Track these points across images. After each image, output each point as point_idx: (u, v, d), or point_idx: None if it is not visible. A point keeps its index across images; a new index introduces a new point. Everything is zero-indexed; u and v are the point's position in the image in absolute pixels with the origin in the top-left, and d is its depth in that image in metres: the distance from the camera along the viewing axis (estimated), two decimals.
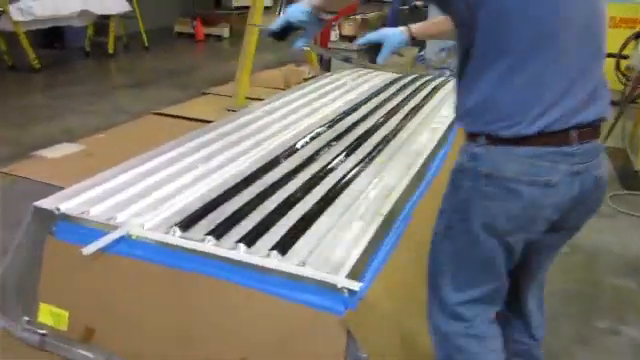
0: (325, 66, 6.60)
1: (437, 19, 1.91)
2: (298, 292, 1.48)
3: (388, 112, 3.10)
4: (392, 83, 3.96)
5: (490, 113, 1.15)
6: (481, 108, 1.16)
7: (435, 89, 3.78)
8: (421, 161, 2.37)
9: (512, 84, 1.12)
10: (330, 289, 1.46)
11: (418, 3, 6.84)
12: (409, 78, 4.22)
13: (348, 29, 6.68)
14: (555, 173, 1.14)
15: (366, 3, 6.68)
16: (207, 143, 2.43)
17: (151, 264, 1.62)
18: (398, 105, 3.27)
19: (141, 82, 6.38)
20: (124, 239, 1.66)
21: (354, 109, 3.13)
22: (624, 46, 4.02)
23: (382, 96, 3.51)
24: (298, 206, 1.87)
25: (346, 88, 3.71)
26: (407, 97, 3.52)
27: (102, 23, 7.61)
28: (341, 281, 1.46)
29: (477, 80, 1.16)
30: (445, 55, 6.51)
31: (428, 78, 4.21)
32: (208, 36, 9.65)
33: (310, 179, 2.09)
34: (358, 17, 6.89)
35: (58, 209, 1.77)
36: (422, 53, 6.63)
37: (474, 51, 1.14)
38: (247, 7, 10.61)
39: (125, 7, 7.37)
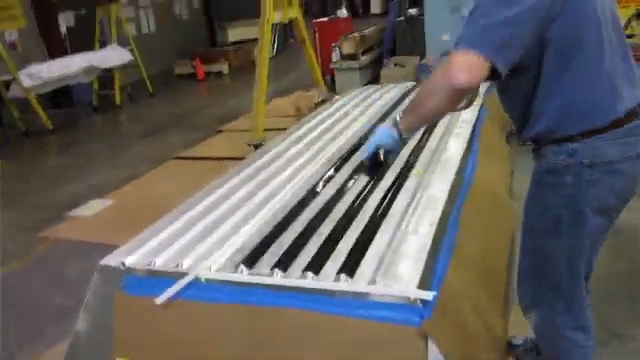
0: (329, 86, 6.73)
1: None
2: (373, 310, 1.52)
3: None
4: (405, 95, 4.03)
5: (583, 114, 1.28)
6: (570, 113, 1.28)
7: None
8: (455, 169, 2.42)
9: (592, 82, 1.26)
10: (403, 302, 1.50)
11: (413, 12, 6.95)
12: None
13: (348, 48, 6.80)
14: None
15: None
16: (246, 180, 2.50)
17: (223, 304, 1.67)
18: None
19: (154, 129, 6.52)
20: (194, 284, 1.71)
21: (376, 125, 3.20)
22: (626, 26, 4.09)
23: (400, 108, 3.58)
24: (351, 228, 1.92)
25: (365, 105, 3.78)
26: None
27: (105, 76, 7.80)
28: (413, 292, 1.50)
29: (554, 92, 1.29)
30: (443, 59, 6.54)
31: None
32: (208, 74, 9.85)
33: (354, 201, 2.14)
34: (356, 34, 7.01)
35: (123, 264, 1.83)
36: (423, 61, 6.72)
37: (544, 70, 1.28)
38: (244, 42, 10.96)
39: (127, 57, 7.55)
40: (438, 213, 1.99)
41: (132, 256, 1.88)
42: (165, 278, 1.76)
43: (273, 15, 4.33)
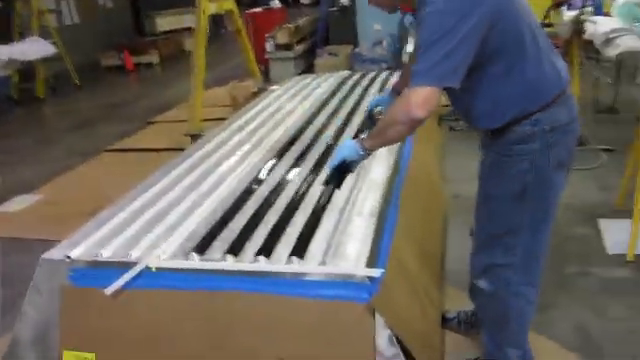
0: (264, 76, 6.72)
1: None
2: (324, 289, 1.59)
3: (349, 112, 3.26)
4: (342, 84, 4.12)
5: (540, 91, 1.50)
6: (528, 93, 1.50)
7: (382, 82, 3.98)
8: (393, 154, 2.53)
9: (539, 65, 1.50)
10: (352, 280, 1.59)
11: (345, 3, 7.05)
12: (357, 76, 4.40)
13: (282, 38, 6.81)
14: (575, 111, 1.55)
15: None
16: (189, 170, 2.49)
17: (176, 291, 1.68)
18: (356, 103, 3.44)
19: (83, 122, 6.27)
20: (144, 273, 1.71)
21: (316, 114, 3.27)
22: (545, 16, 4.36)
23: (339, 96, 3.67)
24: (298, 214, 1.98)
25: (303, 95, 3.84)
26: (361, 94, 3.69)
27: (26, 69, 7.40)
28: (361, 271, 1.58)
29: (508, 80, 1.50)
30: (379, 49, 6.76)
31: (374, 74, 4.40)
32: (138, 65, 9.53)
33: (298, 188, 2.20)
34: (291, 25, 7.03)
35: (69, 257, 1.80)
36: (357, 50, 6.85)
37: (495, 62, 1.47)
38: (174, 31, 10.68)
39: (50, 50, 7.18)
40: (379, 196, 2.09)
41: (77, 248, 1.85)
42: (113, 269, 1.75)
43: (209, 6, 4.28)
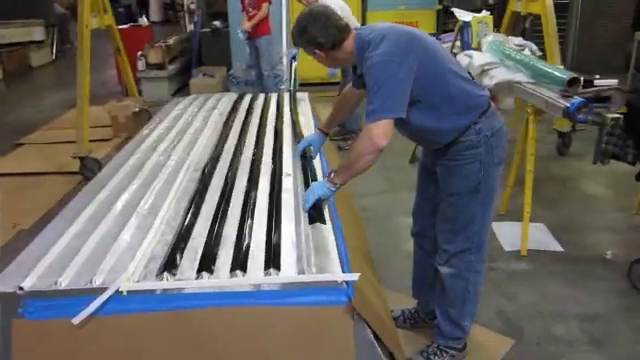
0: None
1: (336, 107, 2.32)
2: (306, 296, 1.68)
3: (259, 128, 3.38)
4: (236, 104, 4.19)
5: (475, 107, 1.85)
6: (468, 112, 1.84)
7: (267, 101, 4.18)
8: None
9: (465, 86, 1.84)
10: (332, 286, 1.70)
11: (218, 25, 7.09)
12: (247, 97, 4.50)
13: (154, 57, 6.62)
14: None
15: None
16: (119, 190, 2.40)
17: (151, 314, 1.65)
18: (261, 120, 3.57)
19: None
20: (115, 297, 1.64)
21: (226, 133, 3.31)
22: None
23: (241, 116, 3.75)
24: (255, 228, 2.04)
25: (204, 115, 3.83)
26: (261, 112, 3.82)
27: None
28: (340, 276, 1.71)
29: (444, 107, 1.82)
30: (253, 71, 6.87)
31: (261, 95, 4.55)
32: None
33: (245, 203, 2.26)
34: (162, 44, 6.86)
35: (21, 288, 1.65)
36: (232, 72, 6.92)
37: (431, 95, 1.81)
38: (19, 43, 9.67)
39: None
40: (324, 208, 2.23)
41: (28, 279, 1.70)
42: (77, 297, 1.65)
43: (91, 21, 4.06)
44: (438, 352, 2.04)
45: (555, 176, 3.98)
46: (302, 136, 3.12)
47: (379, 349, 1.76)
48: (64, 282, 1.69)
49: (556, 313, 2.41)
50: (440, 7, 7.53)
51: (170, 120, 3.78)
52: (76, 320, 1.59)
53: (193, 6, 9.59)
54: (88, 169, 4.06)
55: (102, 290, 1.65)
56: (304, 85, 6.71)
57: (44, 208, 3.44)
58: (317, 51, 1.85)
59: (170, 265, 1.77)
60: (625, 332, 2.28)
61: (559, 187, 3.85)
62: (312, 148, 2.32)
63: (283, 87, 6.96)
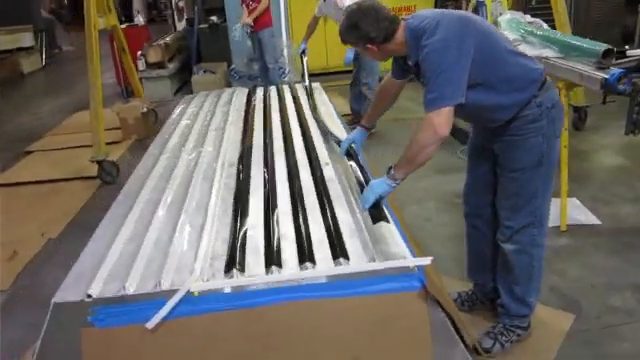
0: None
1: (376, 99, 2.29)
2: (379, 285, 1.65)
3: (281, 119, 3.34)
4: (250, 96, 4.14)
5: (532, 81, 1.84)
6: (527, 86, 1.81)
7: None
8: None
9: (525, 60, 1.86)
10: (403, 272, 1.68)
11: (215, 20, 7.00)
12: (260, 91, 4.45)
13: (154, 56, 6.52)
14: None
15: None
16: (160, 188, 2.36)
17: (224, 313, 1.61)
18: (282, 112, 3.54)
19: None
20: (186, 299, 1.61)
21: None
22: None
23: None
24: (309, 215, 2.01)
25: (222, 110, 3.78)
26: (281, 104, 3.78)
27: None
28: (412, 261, 1.69)
29: (504, 85, 1.82)
30: (255, 65, 6.79)
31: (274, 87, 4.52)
32: None
33: (292, 190, 2.24)
34: (161, 42, 6.76)
35: (89, 296, 1.61)
36: (233, 67, 6.84)
37: (488, 79, 1.80)
38: (8, 51, 9.50)
39: None
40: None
41: (93, 286, 1.65)
42: (146, 301, 1.61)
43: (98, 21, 3.98)
44: (505, 332, 2.02)
45: (577, 151, 3.97)
46: (325, 126, 3.09)
47: (453, 331, 1.75)
48: (131, 287, 1.65)
49: (608, 285, 2.41)
50: None
51: (189, 117, 3.72)
52: (150, 325, 1.55)
53: (182, 4, 9.47)
54: (107, 173, 3.99)
55: (171, 292, 1.61)
56: (313, 76, 6.62)
57: (69, 215, 3.39)
58: (369, 45, 1.81)
59: (235, 262, 1.73)
60: None
61: (583, 161, 3.85)
62: (355, 146, 2.28)
63: (287, 79, 6.93)
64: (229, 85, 6.77)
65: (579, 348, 2.04)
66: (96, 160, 3.87)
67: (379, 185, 1.84)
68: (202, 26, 7.15)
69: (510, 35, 3.36)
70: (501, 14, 3.80)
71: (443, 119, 1.68)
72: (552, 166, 1.88)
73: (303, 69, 4.61)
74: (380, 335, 1.67)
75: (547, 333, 2.07)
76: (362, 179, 2.19)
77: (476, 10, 3.85)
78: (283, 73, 6.93)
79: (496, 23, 3.80)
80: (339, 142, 2.67)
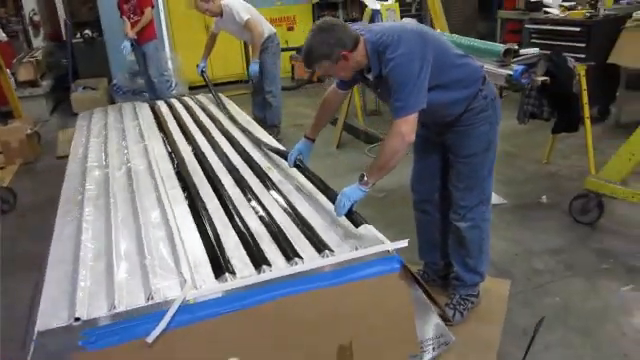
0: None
1: (319, 111, 2.35)
2: (365, 270, 1.77)
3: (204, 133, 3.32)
4: (156, 110, 4.04)
5: (477, 77, 2.05)
6: (472, 85, 2.03)
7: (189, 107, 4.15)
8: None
9: (469, 64, 2.07)
10: (384, 257, 1.81)
11: (90, 33, 6.58)
12: (162, 104, 4.34)
13: (25, 74, 5.96)
14: None
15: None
16: (105, 209, 2.24)
17: (227, 315, 1.62)
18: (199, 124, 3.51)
19: None
20: (183, 308, 1.58)
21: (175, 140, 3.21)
22: None
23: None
24: (275, 215, 2.08)
25: (130, 125, 3.63)
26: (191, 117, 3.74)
27: None
28: (390, 245, 1.82)
29: (455, 85, 2.02)
30: (140, 79, 6.50)
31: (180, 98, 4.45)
32: None
33: (245, 194, 2.28)
34: (32, 59, 6.19)
35: (77, 319, 1.51)
36: (115, 82, 6.49)
37: (442, 81, 1.98)
38: None
39: None
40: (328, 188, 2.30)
41: (77, 309, 1.55)
42: (139, 316, 1.56)
43: None
44: (462, 301, 2.24)
45: None
46: (254, 135, 3.13)
47: (430, 305, 1.92)
48: (120, 304, 1.58)
49: (528, 252, 2.76)
50: (317, 1, 7.80)
51: (96, 134, 3.52)
52: (150, 338, 1.51)
53: (37, 18, 8.74)
54: (4, 201, 3.60)
55: (165, 304, 1.58)
56: (199, 88, 6.54)
57: None
58: (344, 53, 1.86)
59: (222, 266, 1.73)
60: (589, 255, 2.72)
61: None
62: (302, 157, 2.37)
63: (175, 92, 6.74)
64: (112, 101, 6.42)
65: (520, 308, 2.33)
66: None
67: (353, 192, 1.93)
68: (76, 40, 6.69)
69: None
70: (394, 21, 4.13)
71: (410, 127, 1.84)
72: (495, 149, 2.13)
73: (207, 84, 4.61)
74: (370, 317, 1.78)
75: (492, 299, 2.33)
76: (319, 185, 2.28)
77: (372, 18, 4.14)
78: (170, 86, 6.74)
79: None
80: (277, 151, 2.73)
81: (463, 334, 2.05)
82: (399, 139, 1.86)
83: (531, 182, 3.67)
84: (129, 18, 5.46)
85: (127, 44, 5.36)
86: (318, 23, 1.91)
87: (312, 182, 2.34)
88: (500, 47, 2.92)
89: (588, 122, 3.37)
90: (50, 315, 1.56)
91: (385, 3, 4.13)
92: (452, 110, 2.02)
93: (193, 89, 6.89)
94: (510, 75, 2.80)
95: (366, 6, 4.16)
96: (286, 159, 2.44)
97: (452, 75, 1.98)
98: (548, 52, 3.09)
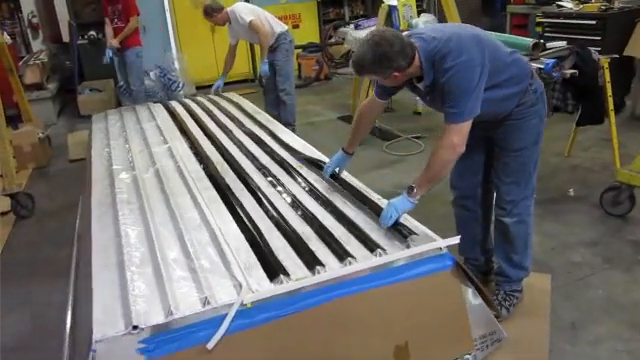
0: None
1: (357, 124, 2.29)
2: (418, 269, 1.74)
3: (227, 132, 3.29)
4: (172, 111, 4.00)
5: (526, 73, 2.04)
6: (523, 77, 2.02)
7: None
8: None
9: (519, 61, 2.06)
10: (435, 254, 1.78)
11: (95, 34, 6.51)
12: (177, 104, 4.31)
13: (32, 77, 5.90)
14: None
15: None
16: (141, 212, 2.20)
17: (284, 319, 1.59)
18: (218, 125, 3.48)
19: None
20: (242, 313, 1.55)
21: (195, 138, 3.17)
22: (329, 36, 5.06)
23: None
24: (317, 215, 2.04)
25: (149, 126, 3.59)
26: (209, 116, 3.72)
27: None
28: (442, 242, 1.80)
29: (508, 83, 2.00)
30: (147, 80, 6.45)
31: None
32: None
33: (281, 194, 2.26)
34: (39, 62, 6.13)
35: (135, 327, 1.48)
36: (122, 83, 6.43)
37: (496, 81, 1.95)
38: None
39: None
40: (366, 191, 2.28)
41: (134, 317, 1.52)
42: (197, 322, 1.53)
43: None
44: (507, 297, 2.22)
45: None
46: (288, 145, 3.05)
47: (483, 302, 1.89)
48: (177, 310, 1.54)
49: (564, 246, 2.76)
50: None
51: (116, 136, 3.48)
52: (211, 344, 1.49)
53: (36, 20, 8.65)
54: (23, 206, 3.55)
55: (222, 309, 1.54)
56: (206, 87, 6.49)
57: None
58: (396, 73, 1.82)
59: (275, 268, 1.70)
60: (625, 247, 2.73)
61: None
62: (338, 170, 2.32)
63: (182, 92, 6.70)
64: (119, 103, 6.37)
65: (563, 301, 2.32)
66: (9, 194, 3.43)
67: (401, 203, 1.89)
68: (81, 42, 6.62)
69: None
70: (411, 17, 4.10)
71: (462, 137, 1.82)
72: (542, 142, 2.13)
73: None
74: (424, 316, 1.76)
75: (535, 293, 2.31)
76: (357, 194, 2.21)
77: (388, 14, 4.11)
78: (178, 87, 6.69)
79: (410, 25, 4.09)
80: (311, 160, 2.62)
81: (512, 330, 2.02)
82: (450, 150, 1.85)
83: (556, 175, 3.65)
84: (112, 22, 5.35)
85: (109, 52, 5.29)
86: (375, 34, 1.84)
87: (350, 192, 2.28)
88: (529, 41, 2.90)
89: (612, 114, 3.34)
90: (105, 323, 1.52)
91: None
92: (505, 107, 2.00)
93: (200, 89, 6.85)
94: (541, 69, 2.77)
95: (382, 2, 4.12)
96: (321, 169, 2.38)
97: (505, 73, 1.95)
98: (572, 46, 3.07)
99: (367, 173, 3.83)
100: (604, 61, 3.21)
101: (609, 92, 3.29)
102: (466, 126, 1.83)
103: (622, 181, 2.92)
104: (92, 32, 6.65)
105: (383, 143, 4.54)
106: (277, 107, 4.77)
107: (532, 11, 5.72)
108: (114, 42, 5.26)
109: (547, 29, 4.83)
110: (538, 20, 5.60)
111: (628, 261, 2.60)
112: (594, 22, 4.47)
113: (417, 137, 4.55)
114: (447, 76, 1.81)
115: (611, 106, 3.33)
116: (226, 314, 1.52)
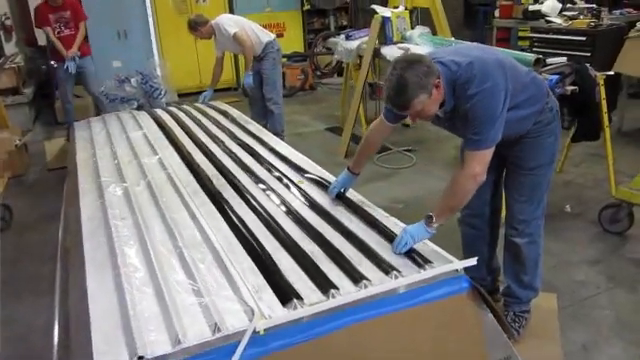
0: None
1: (364, 145, 2.24)
2: (434, 292, 1.67)
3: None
4: (158, 119, 3.87)
5: (543, 92, 2.01)
6: (539, 96, 1.98)
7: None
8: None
9: (535, 79, 2.01)
10: (451, 276, 1.71)
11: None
12: (162, 112, 4.20)
13: (7, 81, 5.67)
14: None
15: None
16: (136, 228, 2.08)
17: (300, 346, 1.49)
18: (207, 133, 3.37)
19: None
20: (254, 340, 1.45)
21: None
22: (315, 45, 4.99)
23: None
24: (326, 235, 1.95)
25: (135, 135, 3.46)
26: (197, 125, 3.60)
27: None
28: (459, 264, 1.73)
29: (526, 104, 1.95)
30: (127, 86, 6.28)
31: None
32: None
33: (288, 212, 2.15)
34: (14, 65, 5.90)
35: (141, 357, 1.36)
36: (102, 89, 6.24)
37: (516, 102, 1.90)
38: None
39: None
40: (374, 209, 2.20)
41: (138, 346, 1.41)
42: (207, 350, 1.42)
43: None
44: (517, 319, 2.17)
45: None
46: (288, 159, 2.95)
47: (497, 324, 1.83)
48: (185, 338, 1.44)
49: (566, 264, 2.73)
50: (308, 7, 7.70)
51: (101, 146, 3.33)
52: None
53: (9, 22, 8.38)
54: (0, 218, 3.37)
55: (233, 336, 1.44)
56: (189, 95, 6.37)
57: None
58: (434, 92, 1.74)
59: (287, 292, 1.61)
60: (627, 266, 2.72)
61: None
62: (344, 190, 2.26)
63: (164, 100, 6.52)
64: (99, 110, 6.17)
65: (572, 322, 2.28)
66: None
67: (418, 231, 1.82)
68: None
69: (426, 48, 3.61)
70: (405, 29, 4.07)
71: (483, 166, 1.79)
72: (555, 161, 2.11)
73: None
74: (441, 340, 1.68)
75: (542, 313, 2.26)
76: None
77: (382, 25, 4.06)
78: (160, 94, 6.52)
79: (404, 37, 4.05)
80: (316, 181, 2.51)
81: (525, 353, 1.95)
82: (472, 180, 1.81)
83: (551, 191, 3.60)
84: (54, 30, 5.18)
85: (72, 64, 5.16)
86: (402, 58, 1.78)
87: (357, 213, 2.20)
88: (531, 56, 2.88)
89: (608, 131, 3.36)
90: (107, 354, 1.41)
91: (395, 11, 4.06)
92: (523, 126, 1.98)
93: (183, 96, 6.70)
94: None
95: (375, 13, 4.08)
96: (326, 190, 2.31)
97: (524, 94, 1.92)
98: (571, 62, 3.07)
99: (362, 186, 3.71)
100: (600, 78, 3.22)
101: (604, 109, 3.30)
102: (488, 153, 1.80)
103: (622, 199, 2.91)
104: None
105: (375, 156, 4.47)
106: (265, 117, 4.68)
107: (518, 25, 5.76)
108: (74, 50, 5.14)
109: (536, 44, 4.86)
110: (523, 35, 5.66)
111: (631, 279, 2.58)
112: (584, 38, 4.51)
113: (408, 150, 4.51)
114: (472, 102, 1.76)
115: (607, 122, 3.34)
116: (238, 342, 1.43)
